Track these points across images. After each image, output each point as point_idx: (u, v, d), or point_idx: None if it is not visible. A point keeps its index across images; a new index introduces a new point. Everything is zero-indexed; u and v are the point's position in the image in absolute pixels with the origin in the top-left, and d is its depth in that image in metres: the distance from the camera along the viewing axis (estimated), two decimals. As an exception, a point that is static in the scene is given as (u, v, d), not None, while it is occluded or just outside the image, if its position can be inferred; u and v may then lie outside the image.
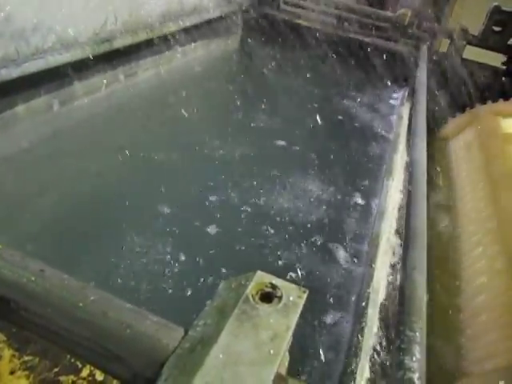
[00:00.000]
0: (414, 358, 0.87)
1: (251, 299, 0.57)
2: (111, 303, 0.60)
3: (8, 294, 0.61)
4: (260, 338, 0.52)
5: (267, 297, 0.58)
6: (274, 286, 0.59)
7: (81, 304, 0.59)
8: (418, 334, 0.92)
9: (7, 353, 0.66)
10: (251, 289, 0.58)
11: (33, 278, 0.61)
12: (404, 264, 1.12)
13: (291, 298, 0.57)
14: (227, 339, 0.51)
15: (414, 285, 1.04)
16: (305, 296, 0.59)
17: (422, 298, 1.01)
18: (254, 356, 0.50)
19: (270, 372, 0.50)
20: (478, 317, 1.42)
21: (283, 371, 0.65)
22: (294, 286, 0.60)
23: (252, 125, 2.47)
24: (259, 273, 0.61)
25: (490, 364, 1.24)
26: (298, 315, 0.56)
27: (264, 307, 0.56)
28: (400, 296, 1.05)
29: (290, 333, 0.54)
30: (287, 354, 0.67)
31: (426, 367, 1.01)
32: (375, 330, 1.22)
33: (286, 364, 0.67)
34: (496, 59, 3.18)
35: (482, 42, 3.12)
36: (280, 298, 0.58)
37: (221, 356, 0.50)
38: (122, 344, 0.57)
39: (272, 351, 0.51)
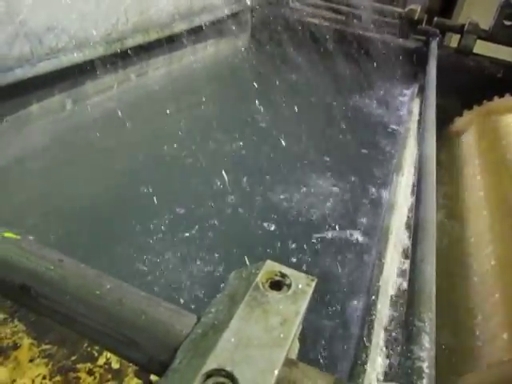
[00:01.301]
0: (423, 348, 0.88)
1: (261, 287, 0.59)
2: (126, 291, 0.62)
3: (29, 281, 0.64)
4: (270, 322, 0.54)
5: (277, 285, 0.60)
6: (283, 275, 0.61)
7: (97, 292, 0.61)
8: (427, 324, 0.93)
9: (26, 341, 0.68)
10: (261, 277, 0.60)
11: (52, 267, 0.63)
12: (413, 256, 1.14)
13: (300, 286, 0.59)
14: (238, 324, 0.53)
15: (423, 276, 1.05)
16: (313, 284, 0.61)
17: (430, 288, 1.02)
18: (264, 339, 0.52)
19: (280, 354, 0.51)
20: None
21: (293, 356, 0.67)
22: (302, 274, 0.61)
23: (263, 122, 2.49)
24: (269, 262, 0.63)
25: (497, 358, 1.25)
26: (306, 302, 0.58)
27: (273, 294, 0.58)
28: (409, 287, 1.06)
29: (299, 318, 0.56)
30: (297, 341, 0.69)
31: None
32: (385, 321, 1.24)
33: (296, 350, 0.69)
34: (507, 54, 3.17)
35: (493, 36, 3.10)
36: (289, 285, 0.60)
37: (232, 340, 0.52)
38: (137, 330, 0.59)
39: (282, 335, 0.53)
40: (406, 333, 0.93)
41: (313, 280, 0.61)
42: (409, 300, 1.01)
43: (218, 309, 0.58)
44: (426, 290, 1.01)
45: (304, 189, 2.11)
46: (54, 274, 0.63)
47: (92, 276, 0.63)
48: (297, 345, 0.68)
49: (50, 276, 0.63)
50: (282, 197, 2.03)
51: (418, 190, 1.46)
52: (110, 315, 0.60)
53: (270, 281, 0.60)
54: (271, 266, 0.62)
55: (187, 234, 1.71)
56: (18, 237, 0.68)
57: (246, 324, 0.54)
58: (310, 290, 0.60)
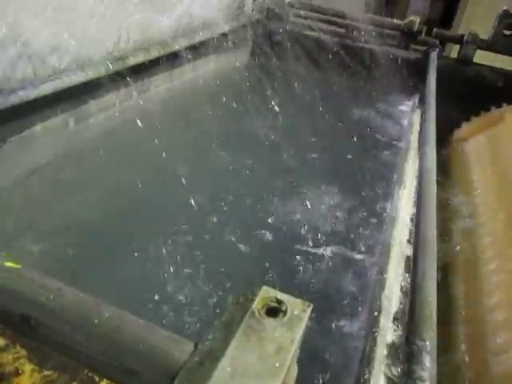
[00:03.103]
0: (424, 367, 0.88)
1: (257, 314, 0.59)
2: (125, 319, 0.63)
3: (28, 311, 0.65)
4: (265, 351, 0.55)
5: (273, 311, 0.61)
6: (279, 301, 0.62)
7: (96, 321, 0.62)
8: (428, 343, 0.93)
9: (28, 367, 0.69)
10: (257, 304, 0.61)
11: (51, 297, 0.64)
12: (414, 272, 1.14)
13: (296, 312, 0.60)
14: (234, 353, 0.54)
15: (424, 293, 1.05)
16: (309, 310, 0.61)
17: (432, 306, 1.02)
18: (259, 368, 0.53)
19: (275, 383, 0.52)
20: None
21: (291, 382, 0.67)
22: (298, 300, 0.62)
23: (263, 137, 2.51)
24: (265, 288, 0.63)
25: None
26: (302, 328, 0.59)
27: (269, 321, 0.59)
28: (410, 305, 1.06)
29: (295, 345, 0.57)
30: (295, 365, 0.70)
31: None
32: (389, 339, 1.24)
33: (295, 375, 0.70)
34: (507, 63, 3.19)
35: (493, 46, 3.12)
36: (285, 312, 0.60)
37: (228, 369, 0.52)
38: (135, 358, 0.60)
39: (277, 363, 0.54)
40: (406, 352, 0.93)
41: (308, 306, 0.62)
42: (409, 318, 1.01)
43: (214, 336, 0.58)
44: (427, 308, 1.01)
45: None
46: (53, 303, 0.64)
47: (91, 305, 0.64)
48: (295, 369, 0.69)
49: (49, 305, 0.64)
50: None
51: (418, 204, 1.46)
52: (109, 344, 0.61)
53: (266, 307, 0.61)
54: (267, 292, 0.63)
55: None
56: (19, 266, 0.69)
57: (242, 353, 0.54)
58: (306, 316, 0.60)
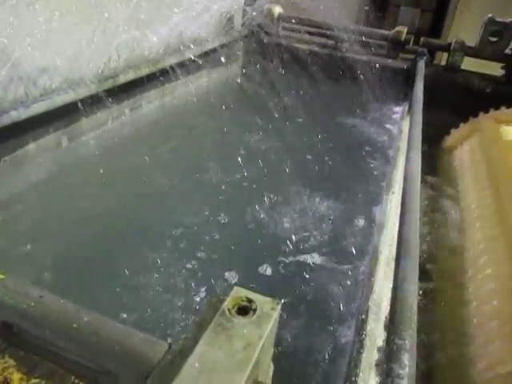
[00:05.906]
0: (403, 365, 0.89)
1: (227, 313, 0.62)
2: (103, 323, 0.66)
3: (11, 319, 0.68)
4: (233, 347, 0.57)
5: (243, 310, 0.63)
6: (249, 300, 0.64)
7: (75, 325, 0.65)
8: (407, 341, 0.95)
9: (16, 376, 0.71)
10: (228, 303, 0.63)
11: (32, 304, 0.67)
12: (395, 275, 1.16)
13: (264, 310, 0.63)
14: (203, 349, 0.57)
15: (405, 295, 1.07)
16: (278, 307, 0.64)
17: (412, 307, 1.04)
18: (227, 363, 0.55)
19: (241, 377, 0.54)
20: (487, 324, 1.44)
21: (267, 380, 0.70)
22: (268, 298, 0.65)
23: (256, 149, 2.54)
24: (236, 288, 0.66)
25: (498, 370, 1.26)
26: (270, 325, 0.61)
27: (239, 319, 0.61)
28: (391, 306, 1.08)
29: (263, 341, 0.59)
30: (271, 364, 0.72)
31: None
32: (376, 341, 1.26)
33: (271, 373, 0.72)
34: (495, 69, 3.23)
35: (480, 52, 3.17)
36: (255, 310, 0.63)
37: (196, 365, 0.55)
38: (112, 360, 0.62)
39: (244, 358, 0.56)
40: (387, 351, 0.95)
41: (278, 303, 0.64)
42: (390, 318, 1.03)
43: (186, 336, 0.61)
44: (408, 309, 1.03)
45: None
46: (34, 310, 0.66)
47: (71, 310, 0.67)
48: (271, 367, 0.71)
49: (30, 312, 0.66)
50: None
51: (401, 209, 1.49)
52: (87, 347, 0.64)
53: (236, 306, 0.64)
54: (238, 292, 0.65)
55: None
56: (2, 276, 0.72)
57: (211, 349, 0.57)
58: (275, 314, 0.63)
